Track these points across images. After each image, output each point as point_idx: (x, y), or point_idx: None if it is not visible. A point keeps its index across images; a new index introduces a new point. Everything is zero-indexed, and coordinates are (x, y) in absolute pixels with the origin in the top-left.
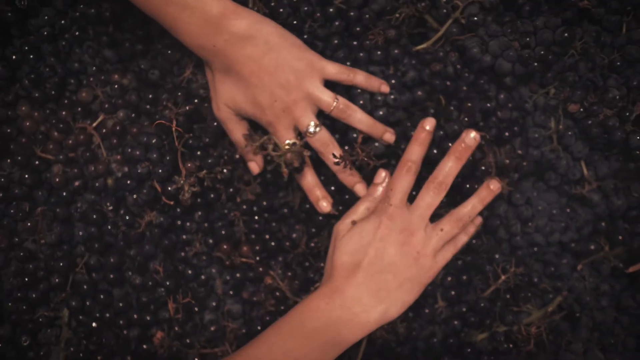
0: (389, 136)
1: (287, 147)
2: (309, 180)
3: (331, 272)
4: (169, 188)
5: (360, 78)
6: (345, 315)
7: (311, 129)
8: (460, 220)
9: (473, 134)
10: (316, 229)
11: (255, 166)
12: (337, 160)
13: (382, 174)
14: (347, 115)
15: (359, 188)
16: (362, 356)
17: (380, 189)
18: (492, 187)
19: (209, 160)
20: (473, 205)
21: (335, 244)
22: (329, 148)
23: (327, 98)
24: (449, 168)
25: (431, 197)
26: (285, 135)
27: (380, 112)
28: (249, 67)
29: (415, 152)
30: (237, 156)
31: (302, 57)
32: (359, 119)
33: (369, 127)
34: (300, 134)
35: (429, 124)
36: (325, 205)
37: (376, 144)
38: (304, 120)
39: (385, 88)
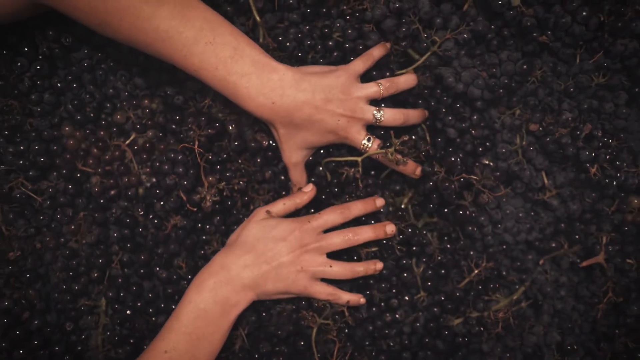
0: (420, 78)
1: (364, 146)
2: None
3: (233, 244)
4: (194, 197)
5: (376, 52)
6: (229, 290)
7: (378, 116)
8: (350, 272)
9: (392, 229)
10: None
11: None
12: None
13: (310, 187)
14: (395, 88)
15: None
16: (356, 339)
17: (304, 197)
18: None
19: (227, 174)
20: (361, 270)
21: (249, 224)
22: (403, 116)
23: (373, 89)
24: (366, 235)
25: (339, 241)
26: (359, 137)
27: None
28: (305, 110)
29: (358, 209)
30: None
31: (337, 74)
32: (404, 80)
33: (415, 80)
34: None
35: (380, 203)
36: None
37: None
38: (368, 116)
39: (387, 47)
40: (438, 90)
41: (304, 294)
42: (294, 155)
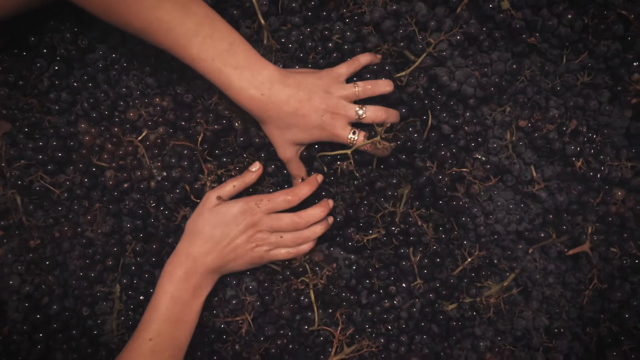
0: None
1: (350, 140)
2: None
3: (192, 232)
4: (195, 186)
5: (364, 59)
6: (197, 277)
7: (360, 113)
8: (299, 238)
9: (332, 203)
10: None
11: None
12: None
13: (257, 165)
14: (373, 90)
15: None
16: (357, 323)
17: (252, 176)
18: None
19: (224, 159)
20: (314, 232)
21: (204, 212)
22: (383, 114)
23: (351, 89)
24: (313, 218)
25: (287, 223)
26: (345, 133)
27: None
28: (291, 104)
29: (304, 191)
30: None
31: (320, 76)
32: (383, 88)
33: (391, 87)
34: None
35: (320, 178)
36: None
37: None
38: (351, 113)
39: (377, 58)
40: (433, 89)
41: (265, 262)
42: (287, 151)
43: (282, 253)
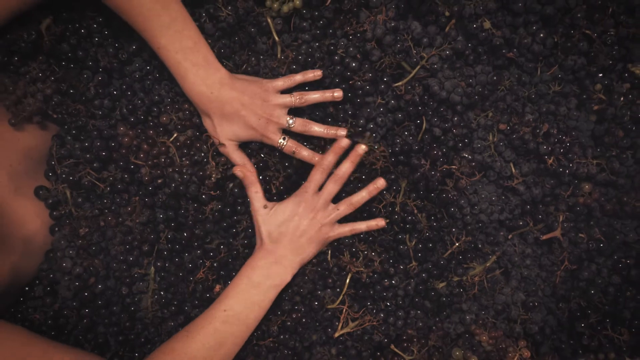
0: (338, 94)
1: (280, 144)
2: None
3: (262, 240)
4: (201, 173)
5: (298, 78)
6: (278, 267)
7: (290, 122)
8: (352, 205)
9: (362, 147)
10: None
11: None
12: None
13: (239, 168)
14: (305, 101)
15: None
16: (360, 300)
17: (252, 175)
18: (379, 184)
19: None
20: (362, 196)
21: (260, 221)
22: (308, 126)
23: (287, 99)
24: (345, 168)
25: (332, 187)
26: (275, 137)
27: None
28: (235, 105)
29: (330, 159)
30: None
31: (260, 85)
32: (314, 97)
33: (322, 97)
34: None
35: (342, 134)
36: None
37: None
38: (282, 121)
39: (318, 74)
40: (426, 97)
41: (332, 239)
42: (224, 144)
43: (345, 232)
